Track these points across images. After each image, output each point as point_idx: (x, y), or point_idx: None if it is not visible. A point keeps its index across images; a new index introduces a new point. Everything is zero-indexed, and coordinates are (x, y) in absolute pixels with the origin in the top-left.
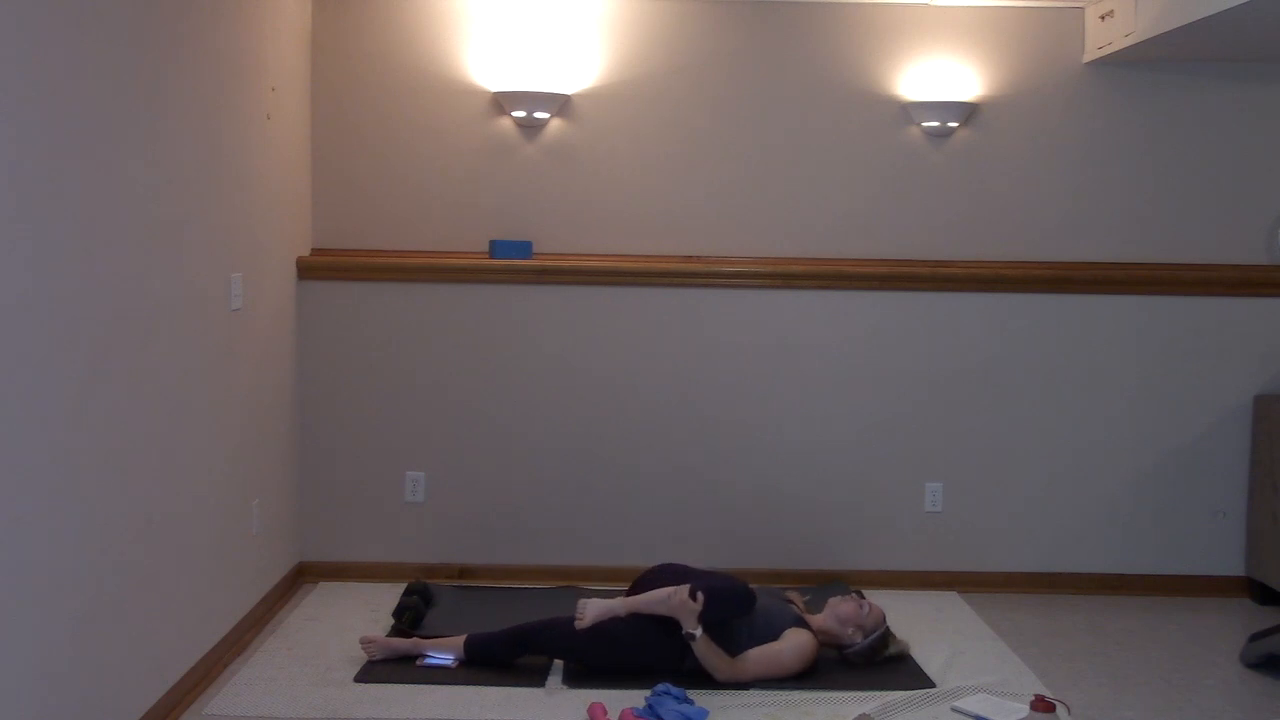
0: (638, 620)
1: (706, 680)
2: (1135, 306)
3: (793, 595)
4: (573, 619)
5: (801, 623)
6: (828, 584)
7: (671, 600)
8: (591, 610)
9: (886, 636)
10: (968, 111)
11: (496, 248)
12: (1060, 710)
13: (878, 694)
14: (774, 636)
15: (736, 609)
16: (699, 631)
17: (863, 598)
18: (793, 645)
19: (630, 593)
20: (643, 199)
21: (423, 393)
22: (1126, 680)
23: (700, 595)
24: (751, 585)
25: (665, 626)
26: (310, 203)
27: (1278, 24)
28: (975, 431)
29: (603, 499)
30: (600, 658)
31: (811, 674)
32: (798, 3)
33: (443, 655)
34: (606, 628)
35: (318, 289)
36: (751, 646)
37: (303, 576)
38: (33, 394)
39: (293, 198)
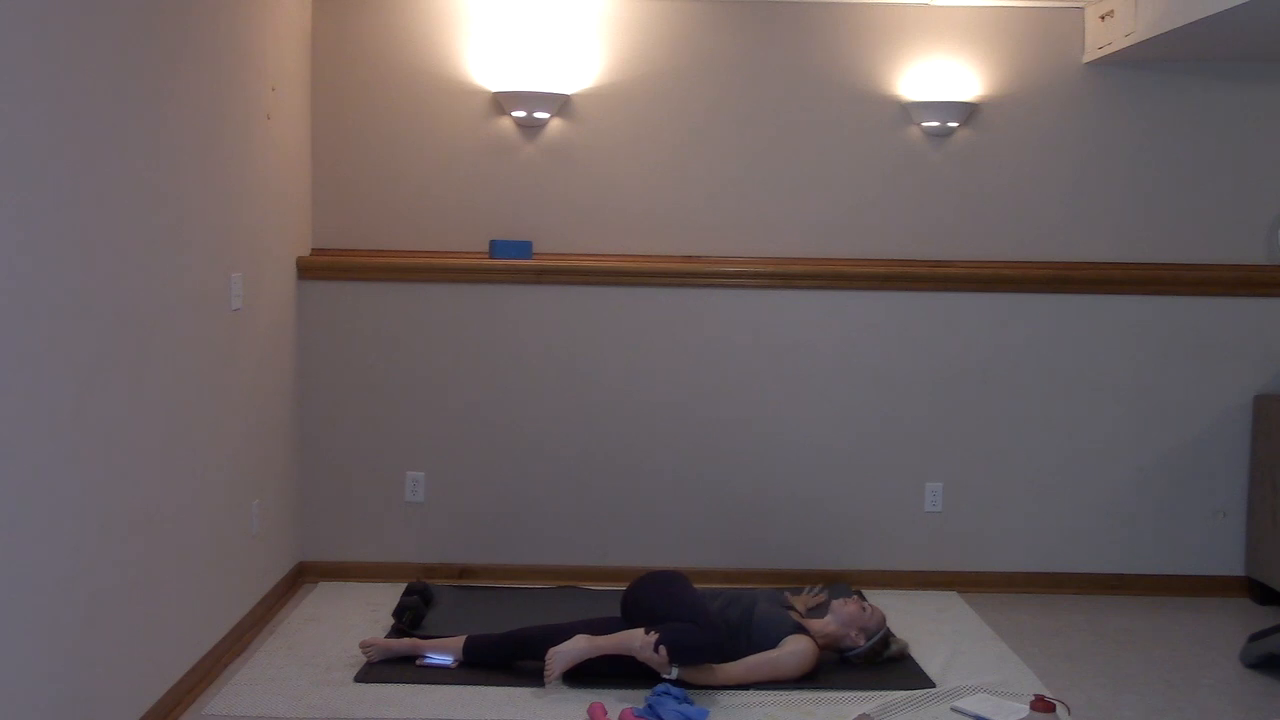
0: (633, 625)
1: None
2: (1135, 306)
3: (795, 600)
4: (571, 625)
5: (801, 629)
6: (828, 584)
7: (639, 655)
8: (559, 663)
9: (888, 638)
10: (968, 111)
11: (496, 248)
12: (1060, 710)
13: (878, 694)
14: (773, 645)
15: (701, 658)
16: (675, 673)
17: (863, 599)
18: (792, 653)
19: (625, 597)
20: (643, 199)
21: (423, 393)
22: (1126, 680)
23: (662, 650)
24: (751, 588)
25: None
26: (310, 203)
27: (1278, 24)
28: (975, 431)
29: (603, 499)
30: (598, 662)
31: (811, 676)
32: (798, 3)
33: (442, 656)
34: (604, 632)
35: (318, 289)
36: (752, 654)
37: (303, 576)
38: (33, 394)
39: (293, 198)
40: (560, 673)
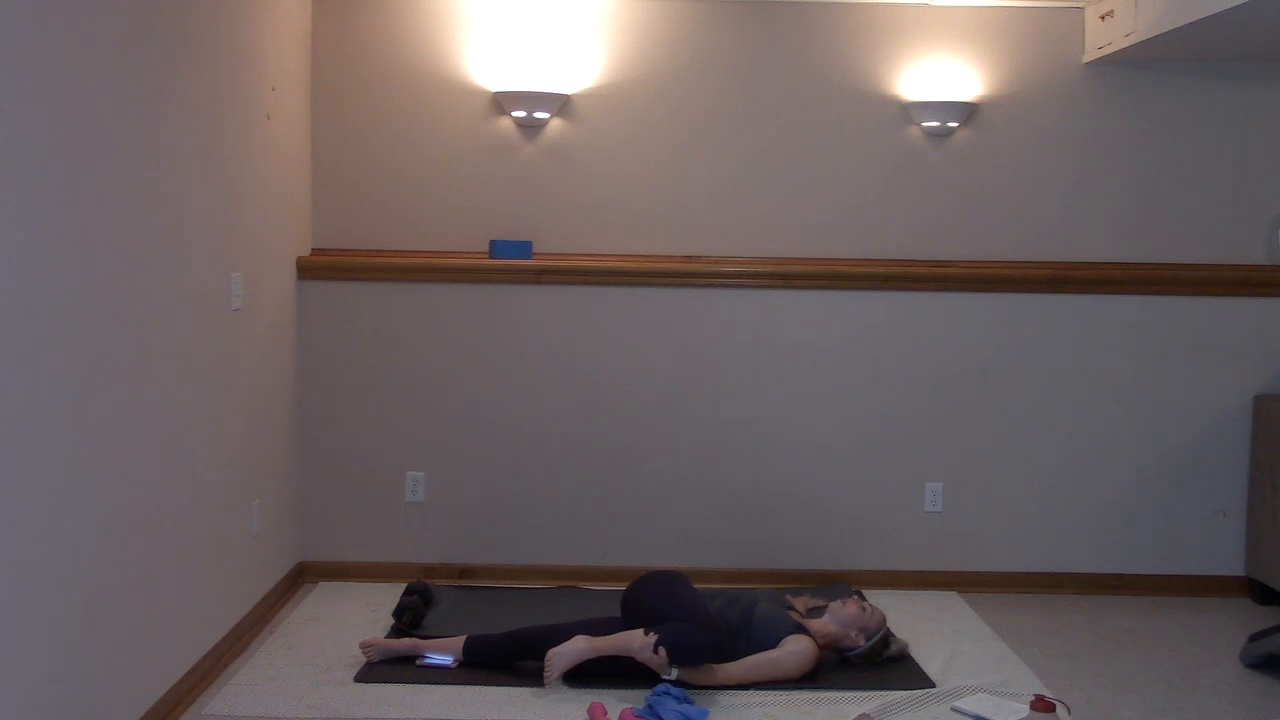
0: (632, 625)
1: None
2: (1135, 306)
3: (795, 600)
4: (571, 625)
5: (801, 629)
6: (829, 584)
7: (639, 656)
8: (558, 664)
9: (888, 638)
10: (968, 111)
11: (496, 248)
12: (1060, 710)
13: (878, 694)
14: (773, 646)
15: (701, 658)
16: (675, 674)
17: (863, 599)
18: (792, 653)
19: (625, 597)
20: (643, 199)
21: (423, 393)
22: (1126, 680)
23: (661, 650)
24: (751, 588)
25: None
26: (310, 203)
27: (1278, 24)
28: (975, 431)
29: (603, 499)
30: (598, 664)
31: (810, 676)
32: (798, 3)
33: (442, 656)
34: (604, 632)
35: (318, 289)
36: (751, 655)
37: (303, 576)
38: (32, 394)
39: (293, 198)
40: (559, 674)
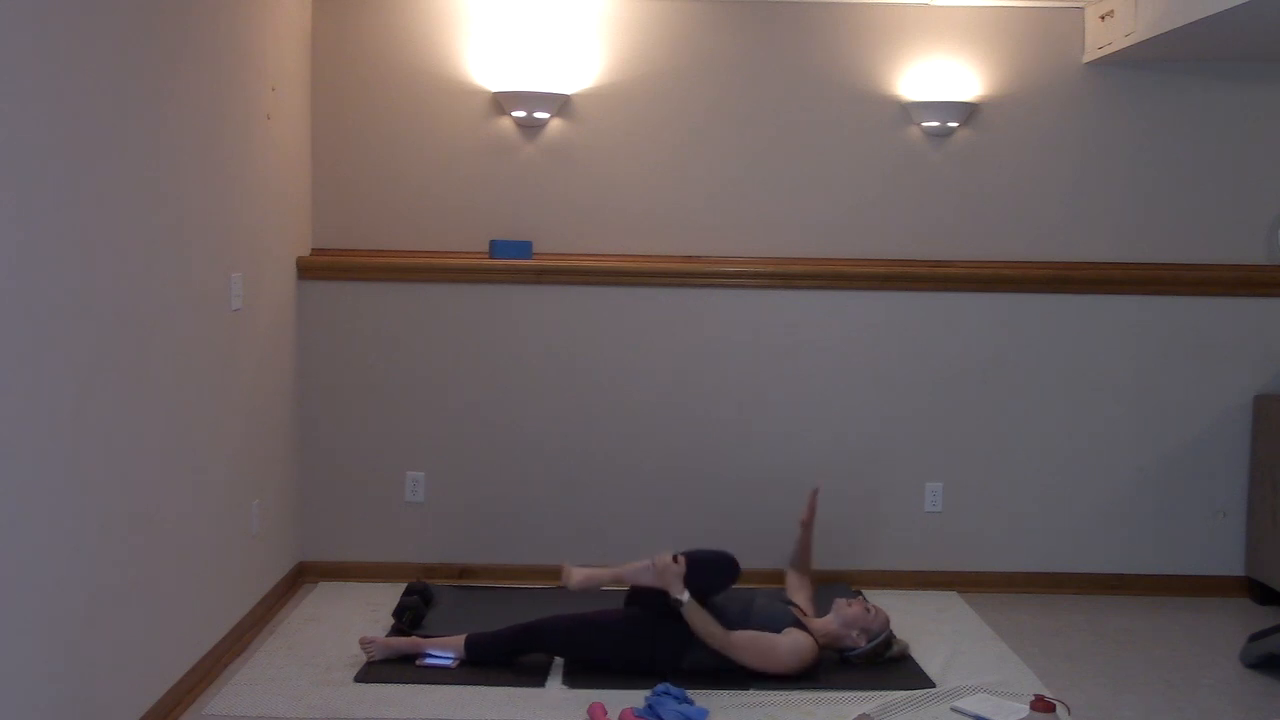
0: (635, 616)
1: (706, 680)
2: (1135, 306)
3: (796, 597)
4: (573, 616)
5: (802, 626)
6: (830, 584)
7: (655, 566)
8: (578, 575)
9: (890, 639)
10: (968, 111)
11: (496, 248)
12: (1060, 710)
13: (878, 694)
14: (775, 632)
15: (720, 575)
16: (686, 597)
17: (866, 600)
18: (790, 642)
19: (628, 598)
20: (643, 199)
21: (423, 393)
22: (1126, 680)
23: (681, 559)
24: (754, 587)
25: (663, 621)
26: (310, 203)
27: (1278, 24)
28: (975, 431)
29: (602, 499)
30: (600, 653)
31: (810, 676)
32: (798, 3)
33: (442, 654)
34: (605, 622)
35: (318, 289)
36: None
37: (303, 576)
38: (32, 394)
39: (293, 198)
40: (578, 580)
